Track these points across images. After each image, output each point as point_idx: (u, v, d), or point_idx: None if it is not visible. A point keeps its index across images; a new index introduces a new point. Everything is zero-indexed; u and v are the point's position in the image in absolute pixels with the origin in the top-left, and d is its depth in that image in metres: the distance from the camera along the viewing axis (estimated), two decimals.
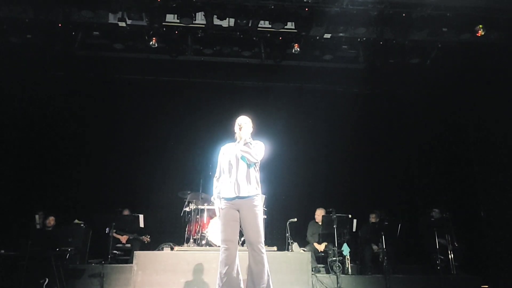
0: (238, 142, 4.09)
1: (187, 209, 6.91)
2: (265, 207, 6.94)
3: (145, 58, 7.82)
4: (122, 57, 7.75)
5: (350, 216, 6.90)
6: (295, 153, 8.68)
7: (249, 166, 3.98)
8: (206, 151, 7.99)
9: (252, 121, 4.20)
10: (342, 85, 8.65)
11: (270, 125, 8.38)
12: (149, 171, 8.30)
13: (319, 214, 7.43)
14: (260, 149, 4.04)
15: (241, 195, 3.92)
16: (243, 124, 4.09)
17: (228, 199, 3.98)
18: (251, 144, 4.00)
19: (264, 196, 6.92)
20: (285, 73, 8.23)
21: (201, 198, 6.92)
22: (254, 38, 7.39)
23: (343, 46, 7.56)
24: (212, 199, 4.20)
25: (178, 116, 8.65)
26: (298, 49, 7.30)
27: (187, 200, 7.05)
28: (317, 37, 7.24)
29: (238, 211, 3.96)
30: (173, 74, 8.40)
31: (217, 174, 4.20)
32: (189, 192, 7.13)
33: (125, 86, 8.34)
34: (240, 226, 3.98)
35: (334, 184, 8.55)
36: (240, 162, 4.00)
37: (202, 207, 6.72)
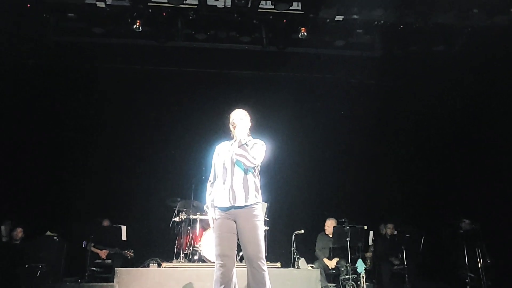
0: (235, 141, 4.04)
1: (176, 219, 6.93)
2: (267, 217, 6.95)
3: (129, 44, 7.84)
4: (102, 43, 7.77)
5: (365, 227, 6.91)
6: (301, 155, 8.71)
7: (246, 171, 3.95)
8: (199, 151, 7.96)
9: (250, 116, 4.16)
10: (356, 76, 8.68)
11: (272, 122, 8.34)
12: (132, 175, 8.32)
13: (330, 225, 7.44)
14: (259, 151, 3.99)
15: (237, 204, 3.89)
16: (238, 120, 4.04)
17: (223, 209, 3.95)
18: (247, 145, 3.95)
19: (266, 204, 6.93)
20: (290, 62, 8.25)
21: (193, 207, 6.94)
22: (254, 21, 7.40)
23: (357, 31, 7.56)
24: (205, 207, 4.18)
25: (166, 111, 8.67)
26: (305, 33, 7.30)
27: (176, 209, 7.07)
28: (327, 20, 7.25)
29: (235, 221, 3.93)
30: (160, 62, 8.41)
31: (211, 178, 4.18)
32: (179, 200, 7.16)
33: (105, 76, 8.32)
34: (238, 239, 3.96)
35: (347, 191, 8.58)
36: (236, 166, 3.96)
37: (194, 217, 6.73)
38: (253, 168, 3.99)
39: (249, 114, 4.17)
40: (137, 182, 8.29)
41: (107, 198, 8.05)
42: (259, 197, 4.00)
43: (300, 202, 8.54)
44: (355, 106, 8.69)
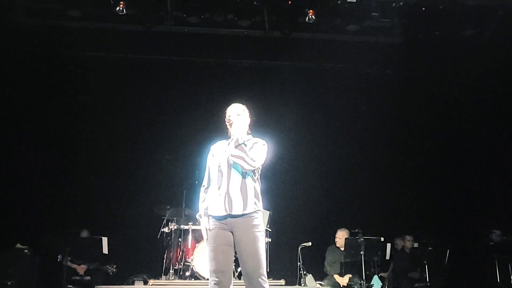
0: (231, 140, 4.04)
1: (165, 229, 6.95)
2: (269, 227, 6.95)
3: (110, 29, 7.78)
4: (80, 28, 7.70)
5: (382, 239, 6.90)
6: (308, 156, 8.72)
7: (244, 174, 3.94)
8: (191, 152, 8.00)
9: (249, 111, 4.15)
10: (372, 65, 8.65)
11: (275, 118, 8.36)
12: (115, 180, 8.32)
13: (341, 236, 7.44)
14: (259, 152, 3.98)
15: (234, 213, 3.87)
16: (235, 115, 4.04)
17: (218, 218, 3.93)
18: (245, 145, 3.94)
19: (268, 212, 6.94)
20: (295, 49, 8.22)
21: (185, 215, 6.96)
22: (255, 3, 7.35)
23: (373, 14, 7.52)
24: (197, 216, 4.17)
25: (154, 106, 8.67)
26: (313, 16, 7.26)
27: (165, 218, 7.08)
28: (339, 1, 7.20)
29: (232, 232, 3.91)
30: (147, 50, 8.39)
31: (204, 183, 4.18)
32: (168, 208, 7.18)
33: (83, 66, 8.28)
34: (235, 253, 3.94)
35: (361, 198, 8.59)
36: (233, 170, 3.95)
37: (186, 227, 6.77)
38: (253, 171, 3.97)
39: (248, 109, 4.15)
40: (121, 187, 8.29)
41: (86, 205, 8.04)
42: (260, 205, 3.98)
43: (307, 210, 8.54)
44: (370, 100, 8.71)
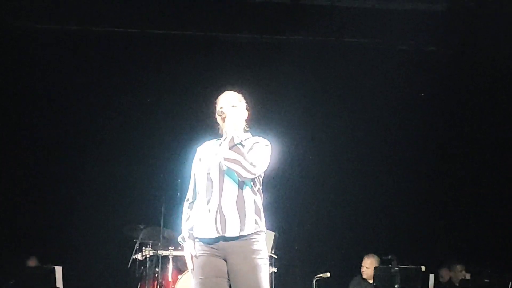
0: (224, 139, 4.04)
1: (138, 256, 6.94)
2: (274, 253, 6.97)
3: None
4: None
5: (423, 268, 6.92)
6: (324, 159, 8.75)
7: (241, 184, 3.94)
8: (171, 156, 8.03)
9: (247, 101, 4.15)
10: (407, 40, 8.64)
11: (281, 110, 8.37)
12: (71, 191, 8.36)
13: (370, 265, 7.47)
14: (261, 155, 3.98)
15: (227, 234, 3.87)
16: (228, 107, 4.04)
17: (207, 242, 3.94)
18: (242, 145, 3.93)
19: (273, 234, 6.97)
20: (307, 20, 8.24)
21: (163, 238, 6.96)
22: None
23: None
24: (179, 239, 4.18)
25: (120, 95, 8.68)
26: None
27: (138, 242, 7.09)
28: None
29: (225, 260, 3.92)
30: (114, 21, 8.37)
31: (189, 195, 4.19)
32: (142, 228, 7.19)
33: (37, 41, 8.30)
34: (230, 286, 3.94)
35: (393, 215, 8.59)
36: (226, 178, 3.95)
37: (165, 253, 6.76)
38: (252, 180, 3.97)
39: (245, 99, 4.16)
40: (79, 201, 8.35)
41: (33, 226, 8.06)
42: (262, 224, 3.99)
43: (324, 230, 8.58)
44: (404, 87, 8.69)
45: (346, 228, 8.58)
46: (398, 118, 8.81)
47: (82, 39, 8.53)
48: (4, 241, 7.81)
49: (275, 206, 7.72)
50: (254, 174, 3.89)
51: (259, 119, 7.47)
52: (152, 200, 7.65)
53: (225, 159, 3.88)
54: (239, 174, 3.86)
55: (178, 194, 6.55)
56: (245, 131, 4.14)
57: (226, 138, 3.97)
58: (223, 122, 4.01)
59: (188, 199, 4.18)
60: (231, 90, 4.16)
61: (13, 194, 8.26)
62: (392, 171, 8.80)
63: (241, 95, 4.15)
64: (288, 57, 8.71)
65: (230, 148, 3.89)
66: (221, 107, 4.04)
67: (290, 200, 8.40)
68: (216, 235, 3.88)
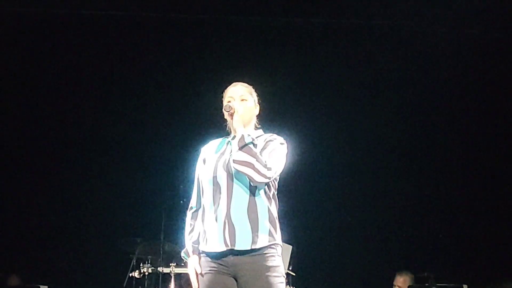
0: (233, 138, 4.05)
1: (135, 274, 6.98)
2: (292, 269, 7.01)
3: None
4: None
5: (465, 287, 6.99)
6: (347, 161, 8.76)
7: (254, 190, 3.92)
8: (172, 157, 8.07)
9: (258, 94, 4.14)
10: (447, 22, 8.59)
11: (299, 104, 8.33)
12: (58, 199, 8.40)
13: (402, 283, 7.52)
14: (276, 155, 3.97)
15: (237, 247, 3.85)
16: (237, 100, 4.05)
17: (214, 256, 3.92)
18: (254, 145, 3.91)
19: (290, 247, 6.99)
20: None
21: (164, 253, 6.99)
22: None
23: None
24: (183, 254, 4.18)
25: (114, 88, 8.73)
26: None
27: (135, 257, 7.14)
28: None
29: (235, 278, 3.90)
30: (123, 5, 8.42)
31: (193, 203, 4.19)
32: (139, 241, 7.24)
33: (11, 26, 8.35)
34: None
35: (430, 225, 8.59)
36: (235, 182, 3.93)
37: (166, 270, 6.78)
38: (267, 185, 3.96)
39: (256, 91, 4.16)
40: (68, 211, 8.39)
41: (15, 240, 8.13)
42: (278, 236, 3.96)
43: (349, 243, 8.58)
44: (450, 78, 8.65)
45: (375, 241, 8.60)
46: (435, 112, 8.82)
47: (66, 25, 8.57)
48: None
49: (292, 215, 7.78)
50: (269, 178, 3.86)
51: (273, 115, 7.48)
52: (150, 208, 7.70)
53: (234, 161, 3.85)
54: (251, 179, 3.83)
55: (181, 201, 6.63)
56: (256, 128, 4.14)
57: (235, 136, 3.96)
58: (231, 118, 4.00)
59: (191, 207, 4.17)
60: (240, 82, 4.15)
61: None
62: (430, 177, 8.79)
63: (251, 87, 4.15)
64: (308, 43, 8.75)
65: (240, 149, 3.86)
66: (229, 101, 4.05)
67: (310, 208, 8.45)
68: (225, 249, 3.85)
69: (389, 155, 8.79)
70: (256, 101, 4.14)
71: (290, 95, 8.48)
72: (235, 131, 4.00)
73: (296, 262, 7.21)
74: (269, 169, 3.83)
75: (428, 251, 8.31)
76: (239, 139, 3.88)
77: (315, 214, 8.44)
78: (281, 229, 3.98)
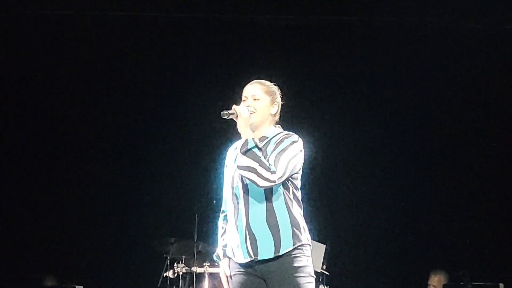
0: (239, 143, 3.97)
1: (169, 274, 6.97)
2: (326, 269, 6.96)
3: None
4: None
5: (502, 286, 6.94)
6: (378, 156, 8.65)
7: (268, 194, 3.85)
8: (204, 156, 8.06)
9: (279, 91, 4.07)
10: (478, 18, 8.48)
11: (325, 99, 8.25)
12: (94, 201, 8.44)
13: (437, 283, 7.49)
14: (285, 155, 3.83)
15: (261, 257, 3.82)
16: (250, 99, 3.96)
17: (241, 265, 3.90)
18: (259, 149, 3.83)
19: (324, 246, 6.90)
20: None
21: (198, 252, 7.00)
22: None
23: None
24: (215, 256, 4.17)
25: (142, 89, 8.72)
26: None
27: (169, 257, 7.16)
28: None
29: (264, 280, 3.86)
30: (142, 5, 8.45)
31: (224, 206, 4.16)
32: (173, 241, 7.23)
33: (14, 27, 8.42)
34: None
35: (463, 221, 8.46)
36: (251, 190, 3.87)
37: (200, 269, 6.76)
38: (284, 185, 3.90)
39: (276, 90, 4.09)
40: (101, 213, 8.41)
41: (51, 241, 8.17)
42: (304, 236, 3.90)
43: (383, 242, 8.49)
44: (475, 74, 8.50)
45: (409, 238, 8.46)
46: (467, 114, 8.64)
47: (89, 28, 8.61)
48: (19, 258, 7.97)
49: (324, 213, 7.68)
50: (274, 182, 3.77)
51: (300, 111, 7.40)
52: (184, 209, 7.70)
53: (238, 167, 3.82)
54: (255, 183, 3.78)
55: (214, 201, 6.54)
56: (275, 126, 4.05)
57: (243, 141, 3.88)
58: (238, 118, 3.90)
59: (223, 211, 4.14)
60: (258, 80, 4.09)
61: (28, 206, 8.37)
62: (462, 172, 8.63)
63: (270, 85, 4.07)
64: (331, 40, 8.66)
65: (244, 154, 3.81)
66: (243, 100, 4.00)
67: (344, 207, 8.34)
68: (249, 259, 3.84)
69: (423, 154, 8.68)
70: (273, 100, 4.03)
71: (316, 92, 8.45)
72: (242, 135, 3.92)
73: (331, 261, 7.18)
74: (273, 172, 3.76)
75: (463, 249, 8.19)
76: (242, 144, 3.83)
77: (350, 213, 8.34)
78: (312, 228, 4.01)
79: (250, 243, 3.81)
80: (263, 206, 3.84)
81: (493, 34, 8.54)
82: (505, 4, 8.08)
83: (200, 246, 7.03)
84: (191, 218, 7.13)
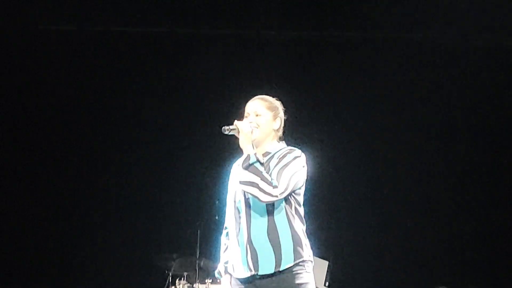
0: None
1: None
2: (329, 286, 6.96)
3: None
4: None
5: None
6: (382, 171, 8.65)
7: (270, 209, 3.85)
8: (208, 171, 8.06)
9: (282, 106, 4.10)
10: (484, 35, 8.48)
11: (328, 115, 8.31)
12: (92, 215, 8.43)
13: None
14: (286, 171, 3.82)
15: (261, 272, 3.82)
16: (252, 115, 3.98)
17: (241, 281, 3.91)
18: (261, 164, 3.84)
19: (326, 263, 6.89)
20: (355, 12, 8.19)
21: (200, 269, 7.00)
22: None
23: None
24: (216, 273, 4.20)
25: (147, 102, 8.71)
26: None
27: (170, 273, 7.14)
28: None
29: None
30: (146, 21, 8.49)
31: (227, 222, 4.18)
32: (174, 257, 7.24)
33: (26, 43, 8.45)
34: None
35: (468, 239, 8.43)
36: (253, 205, 3.89)
37: (202, 286, 6.71)
38: (286, 201, 3.91)
39: (278, 106, 4.11)
40: (100, 228, 8.39)
41: (51, 258, 8.18)
42: (305, 252, 3.91)
43: (389, 258, 8.43)
44: (483, 90, 8.50)
45: (412, 256, 8.42)
46: (472, 131, 8.65)
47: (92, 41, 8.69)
48: (9, 274, 8.01)
49: (328, 229, 7.66)
50: (276, 196, 3.78)
51: (303, 126, 7.38)
52: (186, 224, 7.67)
53: (240, 182, 3.84)
54: (257, 199, 3.79)
55: (216, 217, 6.62)
56: (278, 141, 4.07)
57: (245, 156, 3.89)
58: (240, 133, 3.94)
59: (226, 227, 4.16)
60: (261, 95, 4.12)
61: (29, 226, 8.35)
62: (467, 189, 8.63)
63: (273, 100, 4.10)
64: (334, 57, 8.65)
65: (245, 169, 3.81)
66: (246, 116, 4.03)
67: (348, 223, 8.32)
68: (249, 274, 3.84)
69: (426, 169, 8.68)
70: (278, 114, 4.07)
71: (319, 108, 8.48)
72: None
73: (333, 278, 7.14)
74: (275, 187, 3.77)
75: (468, 266, 8.18)
76: (244, 159, 3.85)
77: (353, 229, 8.32)
78: (314, 244, 3.97)
79: (251, 257, 3.82)
80: (264, 220, 3.85)
81: (495, 51, 8.56)
82: (507, 21, 8.06)
83: (202, 263, 7.02)
84: (193, 234, 7.12)
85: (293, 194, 3.89)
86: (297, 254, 3.84)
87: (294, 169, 3.86)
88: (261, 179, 3.74)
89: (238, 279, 3.91)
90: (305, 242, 3.91)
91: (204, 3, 8.16)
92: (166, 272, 7.16)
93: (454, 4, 7.94)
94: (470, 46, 8.54)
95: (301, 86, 8.27)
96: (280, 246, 3.81)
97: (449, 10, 8.05)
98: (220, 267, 4.10)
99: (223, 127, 3.93)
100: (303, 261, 3.84)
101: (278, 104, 4.09)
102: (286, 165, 3.86)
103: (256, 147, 3.92)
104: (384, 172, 8.63)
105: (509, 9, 7.87)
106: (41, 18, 8.44)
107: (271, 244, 3.81)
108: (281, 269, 3.78)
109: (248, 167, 3.79)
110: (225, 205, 4.20)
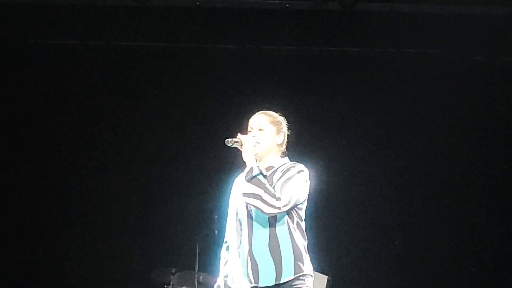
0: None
1: None
2: None
3: (89, 5, 7.98)
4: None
5: None
6: (384, 188, 8.59)
7: (272, 221, 3.86)
8: (207, 186, 8.05)
9: (285, 121, 4.10)
10: (486, 51, 8.51)
11: (333, 131, 8.30)
12: (88, 228, 8.42)
13: None
14: (290, 184, 3.85)
15: (261, 285, 3.83)
16: (255, 129, 3.99)
17: None
18: (264, 176, 3.85)
19: (326, 278, 6.84)
20: (361, 28, 8.23)
21: (199, 283, 7.02)
22: None
23: None
24: (216, 286, 4.16)
25: (149, 119, 8.73)
26: None
27: None
28: None
29: None
30: (148, 35, 8.50)
31: (227, 236, 4.18)
32: (173, 272, 7.24)
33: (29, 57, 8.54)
34: None
35: (472, 250, 8.43)
36: (255, 217, 3.90)
37: None
38: (288, 214, 3.90)
39: (282, 120, 4.12)
40: (100, 242, 8.38)
41: (49, 271, 8.18)
42: (306, 267, 3.91)
43: (390, 273, 8.41)
44: (482, 104, 8.53)
45: (412, 271, 8.41)
46: (469, 146, 8.63)
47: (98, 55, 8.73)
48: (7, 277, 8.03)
49: (327, 243, 7.65)
50: (279, 208, 3.78)
51: (307, 142, 7.39)
52: (185, 239, 7.71)
53: (243, 194, 3.84)
54: (261, 210, 3.79)
55: (216, 232, 6.65)
56: (281, 156, 4.06)
57: (248, 169, 3.90)
58: (242, 146, 3.94)
59: (226, 241, 4.17)
60: (264, 110, 4.12)
61: (27, 235, 8.39)
62: (465, 203, 8.64)
63: (275, 116, 4.09)
64: (340, 72, 8.68)
65: (249, 181, 3.82)
66: (249, 130, 4.02)
67: (346, 235, 8.30)
68: (249, 286, 3.85)
69: (425, 185, 8.68)
70: (280, 129, 4.05)
71: (325, 123, 8.46)
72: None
73: None
74: (278, 199, 3.77)
75: (470, 277, 8.22)
76: (247, 172, 3.85)
77: (352, 244, 8.31)
78: (314, 258, 3.98)
79: (252, 269, 3.83)
80: (266, 233, 3.86)
81: (494, 66, 8.60)
82: (506, 36, 8.10)
83: (201, 277, 7.02)
84: (193, 248, 7.13)
85: (295, 208, 3.89)
86: (297, 267, 3.84)
87: (298, 183, 3.88)
88: (264, 191, 3.75)
89: None
90: (306, 256, 3.91)
91: (206, 19, 8.14)
92: (165, 286, 7.16)
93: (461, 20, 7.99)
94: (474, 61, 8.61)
95: (304, 101, 8.27)
96: (281, 259, 3.82)
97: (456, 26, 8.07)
98: (219, 281, 4.09)
99: (226, 139, 3.94)
100: (303, 275, 3.84)
101: (281, 119, 4.08)
102: (289, 178, 3.87)
103: (259, 161, 3.92)
104: (387, 189, 8.60)
105: None
106: (34, 32, 8.45)
107: (272, 257, 3.81)
108: (281, 282, 3.79)
109: (252, 179, 3.79)
110: (225, 219, 4.20)
